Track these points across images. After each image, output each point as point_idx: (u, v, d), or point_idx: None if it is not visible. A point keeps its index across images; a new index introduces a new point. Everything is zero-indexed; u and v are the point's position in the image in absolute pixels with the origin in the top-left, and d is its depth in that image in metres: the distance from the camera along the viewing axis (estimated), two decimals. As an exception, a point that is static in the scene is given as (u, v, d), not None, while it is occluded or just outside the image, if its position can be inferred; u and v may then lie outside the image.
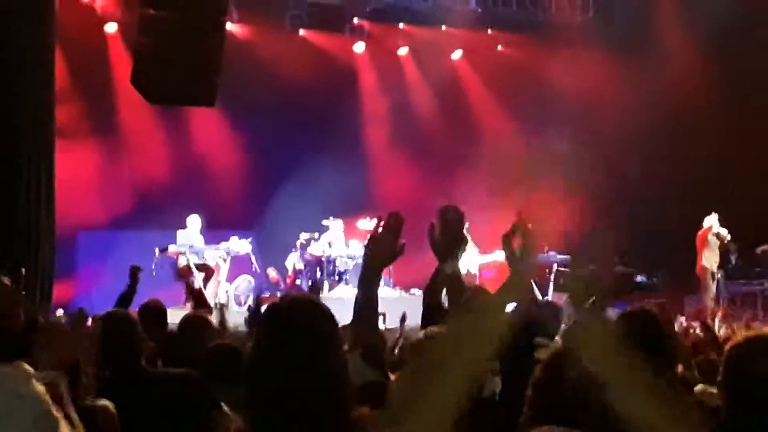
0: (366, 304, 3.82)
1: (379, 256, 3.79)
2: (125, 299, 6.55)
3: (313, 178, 16.03)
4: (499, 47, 19.02)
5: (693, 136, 15.91)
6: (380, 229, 3.86)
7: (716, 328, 9.76)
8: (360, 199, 16.51)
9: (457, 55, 19.07)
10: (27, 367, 2.11)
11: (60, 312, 12.67)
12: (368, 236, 3.78)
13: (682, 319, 12.64)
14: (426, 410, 1.62)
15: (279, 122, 16.71)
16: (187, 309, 11.04)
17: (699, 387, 4.52)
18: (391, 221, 3.87)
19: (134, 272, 7.18)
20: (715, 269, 14.74)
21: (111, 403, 3.80)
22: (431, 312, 4.98)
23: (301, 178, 16.32)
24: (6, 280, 4.74)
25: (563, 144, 16.66)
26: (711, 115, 15.83)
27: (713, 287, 14.68)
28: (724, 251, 14.90)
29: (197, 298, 6.73)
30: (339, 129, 17.03)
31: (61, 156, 13.70)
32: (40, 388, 2.10)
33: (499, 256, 14.49)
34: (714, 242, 14.71)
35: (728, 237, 14.68)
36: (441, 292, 5.33)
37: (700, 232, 14.74)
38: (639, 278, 15.06)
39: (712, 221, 14.72)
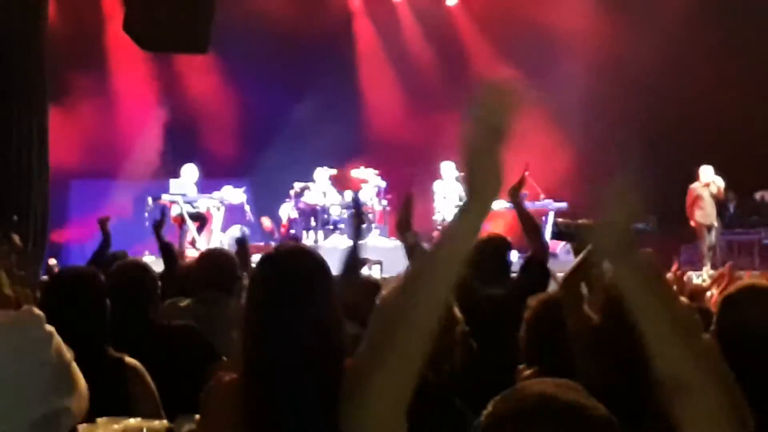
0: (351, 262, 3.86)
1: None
2: (100, 255, 6.35)
3: (308, 126, 15.95)
4: (496, -7, 18.82)
5: (688, 82, 15.79)
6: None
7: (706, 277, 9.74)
8: (356, 146, 16.43)
9: (452, 1, 18.88)
10: (37, 311, 2.08)
11: (53, 261, 12.64)
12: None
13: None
14: (391, 354, 1.58)
15: (273, 70, 16.59)
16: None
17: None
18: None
19: (103, 225, 6.97)
20: (713, 221, 14.63)
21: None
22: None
23: (295, 126, 16.24)
24: (16, 239, 4.67)
25: (560, 91, 16.51)
26: (706, 61, 15.71)
27: (711, 237, 14.62)
28: (721, 201, 14.77)
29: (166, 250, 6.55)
30: (334, 76, 16.89)
31: (54, 104, 13.58)
32: (52, 328, 2.08)
33: (496, 205, 14.43)
34: (708, 195, 14.57)
35: (722, 186, 14.53)
36: None
37: (692, 187, 14.60)
38: (638, 225, 14.94)
39: (706, 174, 14.56)
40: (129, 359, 3.72)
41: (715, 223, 14.67)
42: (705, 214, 14.53)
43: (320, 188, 15.38)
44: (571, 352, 3.62)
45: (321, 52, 17.08)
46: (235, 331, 4.65)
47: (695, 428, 1.54)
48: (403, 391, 1.57)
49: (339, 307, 2.87)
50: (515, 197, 5.84)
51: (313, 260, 2.83)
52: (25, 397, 2.01)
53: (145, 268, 4.63)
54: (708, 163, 14.69)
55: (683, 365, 1.55)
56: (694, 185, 14.57)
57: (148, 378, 3.74)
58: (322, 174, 15.41)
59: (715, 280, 6.96)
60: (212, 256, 5.60)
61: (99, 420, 3.22)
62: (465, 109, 1.72)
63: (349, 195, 15.46)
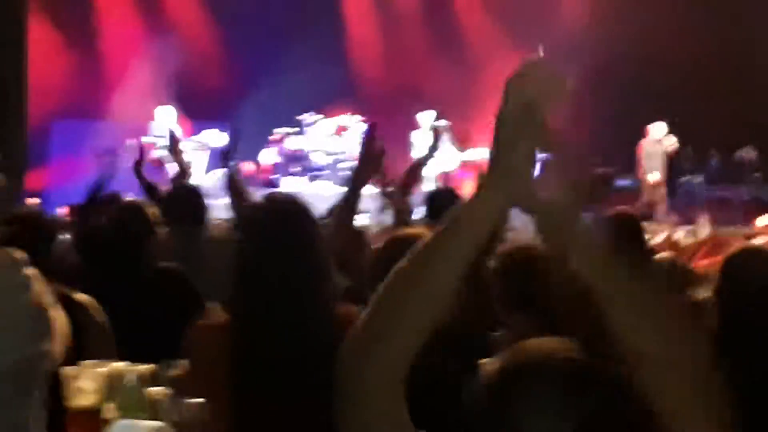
0: (346, 211, 3.83)
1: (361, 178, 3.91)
2: (97, 189, 6.33)
3: (291, 70, 15.81)
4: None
5: (674, 39, 15.71)
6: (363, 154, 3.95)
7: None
8: (339, 92, 16.31)
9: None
10: (18, 253, 2.04)
11: (34, 201, 12.58)
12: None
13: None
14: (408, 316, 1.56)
15: (258, 12, 16.43)
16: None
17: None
18: (368, 142, 3.96)
19: (107, 161, 6.93)
20: (658, 177, 14.74)
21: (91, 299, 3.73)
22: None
23: (278, 69, 16.09)
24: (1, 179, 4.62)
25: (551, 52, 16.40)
26: (695, 19, 15.65)
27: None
28: (672, 158, 14.89)
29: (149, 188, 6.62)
30: (319, 20, 16.74)
31: (34, 44, 13.43)
32: (32, 272, 2.04)
33: (481, 154, 14.42)
34: (655, 151, 14.71)
35: (675, 144, 14.69)
36: (409, 191, 5.39)
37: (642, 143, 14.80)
38: (621, 182, 14.87)
39: (658, 131, 14.71)
40: (78, 295, 3.71)
41: (655, 180, 14.80)
42: (651, 170, 14.71)
43: (305, 134, 15.34)
44: (548, 309, 3.59)
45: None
46: (210, 268, 4.65)
47: (661, 402, 1.52)
48: (403, 361, 1.56)
49: (328, 255, 2.88)
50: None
51: (301, 209, 2.87)
52: (5, 341, 1.98)
53: (140, 209, 4.60)
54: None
55: (647, 340, 1.53)
56: (643, 142, 14.79)
57: (99, 313, 3.74)
58: (312, 120, 15.37)
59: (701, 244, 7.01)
60: (180, 190, 5.66)
61: (82, 362, 3.21)
62: (506, 80, 1.57)
63: (332, 141, 15.40)
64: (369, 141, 4.04)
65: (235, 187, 5.59)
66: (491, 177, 1.59)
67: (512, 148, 1.55)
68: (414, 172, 6.09)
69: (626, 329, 1.55)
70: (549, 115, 1.54)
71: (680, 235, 8.20)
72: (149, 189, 6.45)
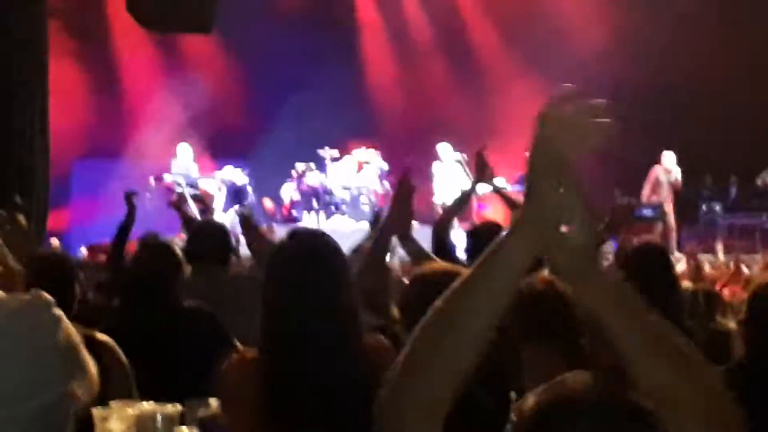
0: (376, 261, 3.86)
1: (394, 226, 3.94)
2: (124, 229, 6.38)
3: (311, 106, 15.89)
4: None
5: (696, 64, 15.67)
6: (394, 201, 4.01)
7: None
8: (358, 126, 16.37)
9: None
10: (46, 295, 2.05)
11: (55, 242, 12.63)
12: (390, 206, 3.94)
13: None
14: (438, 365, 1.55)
15: (276, 50, 16.53)
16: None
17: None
18: (402, 191, 4.01)
19: (129, 199, 6.97)
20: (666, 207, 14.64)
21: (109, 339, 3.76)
22: (440, 246, 4.99)
23: (297, 106, 16.17)
24: (21, 218, 4.64)
25: (564, 72, 16.42)
26: (713, 41, 15.61)
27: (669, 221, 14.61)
28: (678, 191, 14.78)
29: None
30: (336, 56, 16.83)
31: (56, 85, 13.52)
32: (60, 313, 2.05)
33: (497, 184, 14.34)
34: (666, 181, 14.63)
35: (679, 176, 14.59)
36: (450, 226, 5.38)
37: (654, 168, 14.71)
38: (644, 211, 14.73)
39: (669, 159, 14.62)
40: (100, 335, 3.72)
41: (667, 210, 14.65)
42: (660, 199, 14.61)
43: (325, 169, 15.40)
44: (564, 341, 3.57)
45: (324, 31, 17.01)
46: (233, 307, 4.66)
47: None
48: (442, 401, 1.56)
49: (355, 291, 2.89)
50: (489, 182, 5.93)
51: (329, 245, 2.87)
52: (36, 381, 1.99)
53: (168, 249, 4.60)
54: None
55: (665, 378, 1.52)
56: (657, 168, 14.69)
57: (120, 353, 3.76)
58: (332, 156, 15.42)
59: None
60: (205, 228, 5.70)
61: (112, 403, 3.22)
62: (534, 125, 1.52)
63: (351, 176, 15.43)
64: (404, 188, 4.06)
65: (248, 225, 5.64)
66: (522, 224, 1.56)
67: (542, 197, 1.53)
68: (454, 209, 6.18)
69: (636, 360, 1.55)
70: (578, 160, 1.50)
71: (703, 263, 8.19)
72: (187, 222, 6.53)
